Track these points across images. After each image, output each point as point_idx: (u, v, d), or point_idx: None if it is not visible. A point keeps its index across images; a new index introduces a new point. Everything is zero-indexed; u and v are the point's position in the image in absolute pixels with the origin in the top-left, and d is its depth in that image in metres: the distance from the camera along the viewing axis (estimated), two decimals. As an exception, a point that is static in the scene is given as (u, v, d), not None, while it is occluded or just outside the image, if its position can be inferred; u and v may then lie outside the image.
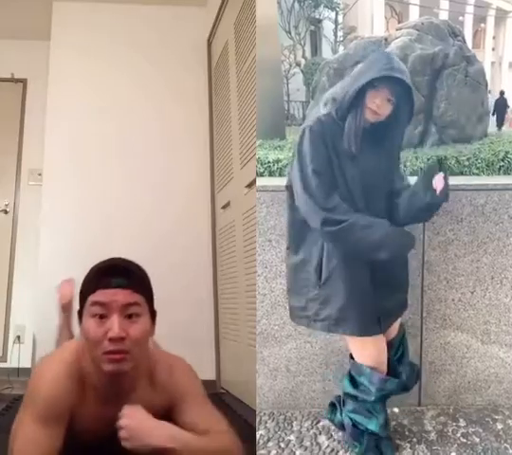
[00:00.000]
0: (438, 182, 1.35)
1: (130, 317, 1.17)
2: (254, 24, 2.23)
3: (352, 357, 1.52)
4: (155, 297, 1.25)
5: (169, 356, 1.37)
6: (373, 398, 1.46)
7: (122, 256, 1.25)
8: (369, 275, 1.40)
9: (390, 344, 1.54)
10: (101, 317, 1.17)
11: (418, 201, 1.38)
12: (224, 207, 2.73)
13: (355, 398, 1.50)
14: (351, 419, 1.52)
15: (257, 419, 1.77)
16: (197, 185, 3.01)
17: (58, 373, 1.22)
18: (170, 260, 2.72)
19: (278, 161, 2.34)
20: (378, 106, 1.34)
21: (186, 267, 2.83)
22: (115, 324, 1.14)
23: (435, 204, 1.39)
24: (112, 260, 1.24)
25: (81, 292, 1.21)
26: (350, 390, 1.50)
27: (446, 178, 1.36)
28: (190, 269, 2.85)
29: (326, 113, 1.41)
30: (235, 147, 2.50)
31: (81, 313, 1.22)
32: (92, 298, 1.18)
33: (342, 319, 1.40)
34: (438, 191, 1.34)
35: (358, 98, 1.34)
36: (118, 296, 1.17)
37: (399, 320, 1.57)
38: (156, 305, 1.24)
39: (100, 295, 1.17)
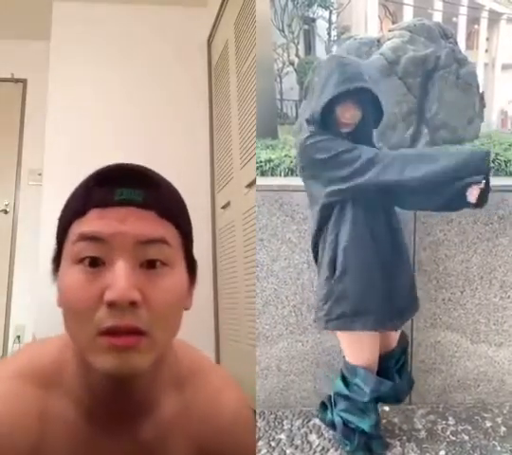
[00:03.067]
0: (472, 194, 1.27)
1: (151, 265, 0.64)
2: (254, 24, 2.24)
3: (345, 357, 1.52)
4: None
5: (219, 376, 0.79)
6: (367, 399, 1.46)
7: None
8: (383, 272, 1.39)
9: (390, 354, 1.55)
10: (94, 263, 0.63)
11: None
12: (224, 207, 2.74)
13: (346, 398, 1.50)
14: (342, 418, 1.53)
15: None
16: (197, 185, 3.01)
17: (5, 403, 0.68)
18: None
19: (270, 161, 2.34)
20: (349, 118, 1.37)
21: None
22: (120, 276, 0.60)
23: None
24: (116, 164, 0.71)
25: (60, 220, 0.71)
26: (342, 390, 1.50)
27: (487, 183, 1.27)
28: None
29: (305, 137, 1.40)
30: (235, 147, 2.51)
31: (58, 261, 0.69)
32: (79, 226, 0.65)
33: (360, 314, 1.37)
34: (471, 201, 1.28)
35: (327, 115, 1.35)
36: (129, 222, 0.63)
37: (400, 331, 1.57)
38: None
39: (93, 220, 0.64)
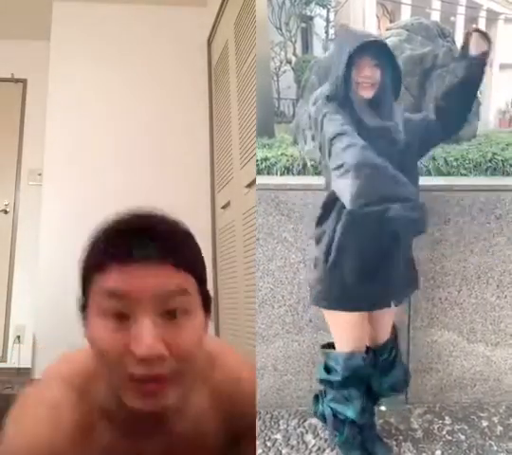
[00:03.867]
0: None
1: (171, 314, 0.70)
2: (254, 23, 2.23)
3: (323, 347, 1.54)
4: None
5: (234, 358, 0.91)
6: (340, 378, 1.46)
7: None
8: (380, 250, 1.37)
9: (383, 347, 1.55)
10: (121, 316, 0.69)
11: None
12: (224, 207, 2.73)
13: (329, 384, 1.51)
14: (331, 409, 1.53)
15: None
16: (197, 185, 3.01)
17: (45, 422, 0.73)
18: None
19: (266, 159, 2.32)
20: (369, 76, 1.33)
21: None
22: (146, 332, 0.66)
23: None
24: (130, 214, 0.74)
25: (82, 271, 0.74)
26: (323, 375, 1.52)
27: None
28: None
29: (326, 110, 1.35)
30: (235, 147, 2.50)
31: (84, 306, 0.74)
32: (103, 282, 0.69)
33: (353, 298, 1.39)
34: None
35: (348, 81, 1.32)
36: (148, 278, 0.68)
37: (392, 322, 1.56)
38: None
39: (115, 278, 0.68)
